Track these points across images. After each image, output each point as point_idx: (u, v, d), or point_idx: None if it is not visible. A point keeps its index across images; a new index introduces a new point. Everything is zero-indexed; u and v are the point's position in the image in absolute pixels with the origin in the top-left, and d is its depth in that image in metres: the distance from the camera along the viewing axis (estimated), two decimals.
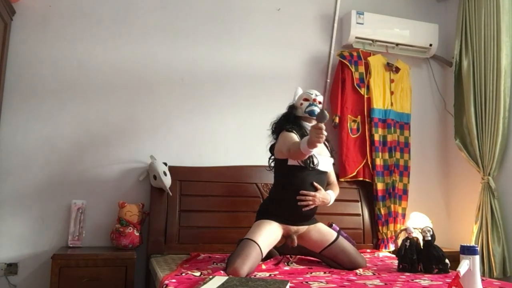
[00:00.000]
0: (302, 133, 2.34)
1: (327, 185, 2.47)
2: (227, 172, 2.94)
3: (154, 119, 2.97)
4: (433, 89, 3.60)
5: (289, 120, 2.39)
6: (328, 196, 2.36)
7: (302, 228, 2.33)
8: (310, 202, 2.25)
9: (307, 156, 2.16)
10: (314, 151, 2.29)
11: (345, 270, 2.24)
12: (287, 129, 2.32)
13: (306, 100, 2.41)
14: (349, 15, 3.25)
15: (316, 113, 2.36)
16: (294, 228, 2.31)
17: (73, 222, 2.67)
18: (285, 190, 2.32)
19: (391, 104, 3.28)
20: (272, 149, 2.46)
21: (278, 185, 2.40)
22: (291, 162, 2.28)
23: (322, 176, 2.38)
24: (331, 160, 2.47)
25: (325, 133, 1.96)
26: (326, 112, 1.93)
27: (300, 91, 2.50)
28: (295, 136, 2.28)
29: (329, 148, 2.50)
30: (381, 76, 3.29)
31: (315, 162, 2.27)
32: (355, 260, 2.29)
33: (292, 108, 2.45)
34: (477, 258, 1.55)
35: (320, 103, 2.41)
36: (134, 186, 2.87)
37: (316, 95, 2.43)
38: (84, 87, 2.86)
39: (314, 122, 2.40)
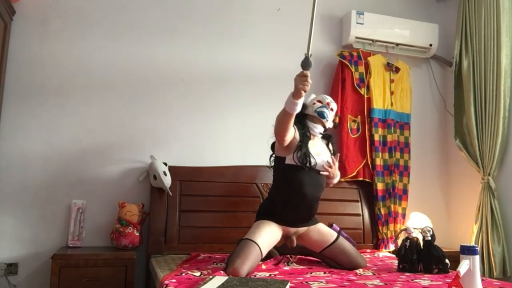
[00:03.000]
0: (304, 132, 2.31)
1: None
2: (227, 172, 2.94)
3: (154, 119, 2.97)
4: (433, 89, 3.60)
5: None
6: (338, 172, 2.47)
7: (302, 229, 2.33)
8: (329, 173, 2.34)
9: (294, 110, 2.03)
10: (313, 152, 2.29)
11: (345, 270, 2.24)
12: None
13: (319, 102, 2.41)
14: (349, 15, 3.25)
15: (326, 115, 2.36)
16: (293, 229, 2.30)
17: (73, 222, 2.67)
18: (283, 191, 2.30)
19: (391, 104, 3.28)
20: (273, 146, 2.41)
21: (276, 186, 2.39)
22: (288, 161, 2.26)
23: (320, 178, 2.35)
24: None
25: (310, 81, 1.95)
26: (310, 59, 1.93)
27: (313, 96, 2.49)
28: (292, 129, 2.22)
29: (331, 150, 2.49)
30: (381, 76, 3.29)
31: (312, 162, 2.25)
32: (355, 261, 2.29)
33: (302, 106, 2.43)
34: (477, 258, 1.55)
35: (332, 110, 2.41)
36: (134, 186, 2.87)
37: (331, 101, 2.43)
38: (84, 87, 2.86)
39: (320, 124, 2.39)
